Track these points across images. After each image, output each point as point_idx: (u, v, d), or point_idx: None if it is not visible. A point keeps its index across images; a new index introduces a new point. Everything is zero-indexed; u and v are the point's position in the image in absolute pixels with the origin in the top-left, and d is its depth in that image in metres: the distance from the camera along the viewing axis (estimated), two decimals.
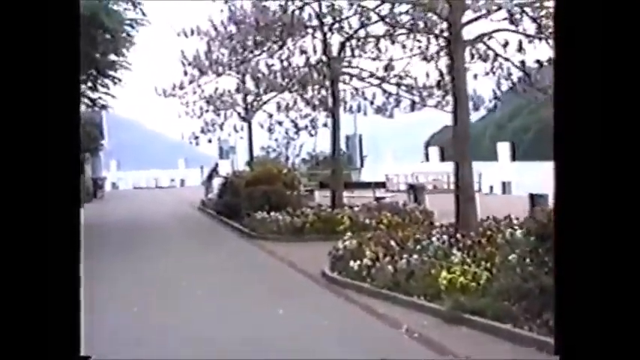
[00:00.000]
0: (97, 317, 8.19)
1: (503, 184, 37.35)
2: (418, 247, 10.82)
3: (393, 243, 11.22)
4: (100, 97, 22.35)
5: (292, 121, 29.20)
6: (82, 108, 23.36)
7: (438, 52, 17.67)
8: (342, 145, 47.27)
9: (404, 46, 17.28)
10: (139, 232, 19.22)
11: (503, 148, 42.03)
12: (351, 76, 19.62)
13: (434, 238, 10.99)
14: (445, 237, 10.94)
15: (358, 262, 10.48)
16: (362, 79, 19.86)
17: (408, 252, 10.48)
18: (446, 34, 12.71)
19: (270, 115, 29.69)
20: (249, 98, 29.50)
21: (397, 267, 9.84)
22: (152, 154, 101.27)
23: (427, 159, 60.06)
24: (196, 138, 29.90)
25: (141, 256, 14.18)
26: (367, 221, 16.21)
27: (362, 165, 42.60)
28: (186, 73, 24.12)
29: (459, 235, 10.89)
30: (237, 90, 29.50)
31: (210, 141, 30.91)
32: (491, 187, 34.98)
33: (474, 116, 78.58)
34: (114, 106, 24.64)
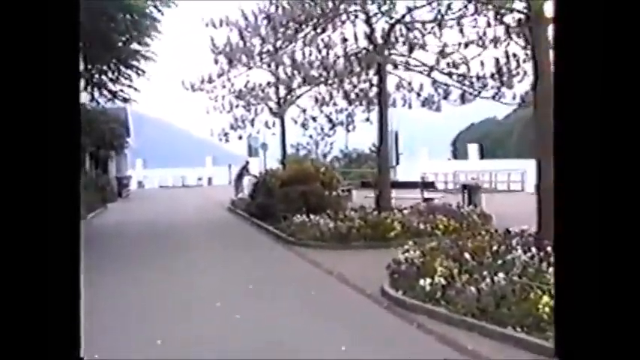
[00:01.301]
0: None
1: None
2: (499, 261, 9.02)
3: (467, 256, 9.41)
4: (121, 90, 20.49)
5: (327, 116, 27.73)
6: (104, 102, 21.54)
7: (496, 38, 15.87)
8: (377, 142, 46.06)
9: (461, 30, 15.37)
10: (166, 237, 17.53)
11: None
12: (396, 65, 17.72)
13: (519, 251, 9.14)
14: (534, 249, 9.07)
15: (428, 279, 8.68)
16: (408, 69, 17.97)
17: (488, 268, 8.68)
18: (523, 9, 10.81)
19: (304, 110, 28.16)
20: (282, 92, 27.96)
21: (480, 288, 8.03)
22: (178, 151, 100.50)
23: (454, 157, 57.99)
24: (226, 135, 28.47)
25: (168, 266, 12.51)
26: (421, 226, 14.40)
27: (397, 163, 40.66)
28: (217, 62, 22.57)
29: (548, 248, 9.02)
30: (269, 84, 28.01)
31: (240, 137, 29.54)
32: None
33: (500, 113, 76.50)
34: (139, 102, 22.78)
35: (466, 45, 15.34)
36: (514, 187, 33.87)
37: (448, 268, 8.98)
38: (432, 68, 17.77)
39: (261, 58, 25.90)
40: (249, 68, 27.15)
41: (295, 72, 23.24)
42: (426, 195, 19.21)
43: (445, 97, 18.76)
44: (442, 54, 16.15)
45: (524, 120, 68.61)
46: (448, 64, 16.65)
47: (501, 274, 8.16)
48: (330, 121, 27.41)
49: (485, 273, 8.41)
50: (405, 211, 16.06)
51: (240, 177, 32.98)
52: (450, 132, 78.44)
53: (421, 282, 8.68)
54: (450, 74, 17.46)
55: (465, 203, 17.70)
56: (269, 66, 27.17)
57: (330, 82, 24.96)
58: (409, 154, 45.00)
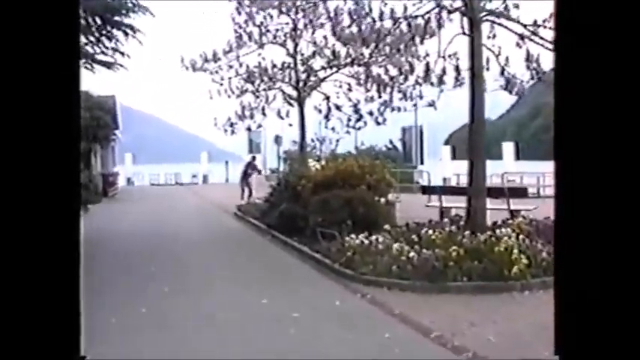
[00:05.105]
0: None
1: None
2: None
3: None
4: (102, 52, 15.04)
5: (354, 105, 23.26)
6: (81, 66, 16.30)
7: None
8: (396, 140, 41.29)
9: None
10: (160, 263, 12.39)
11: None
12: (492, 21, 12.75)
13: None
14: None
15: None
16: (502, 24, 13.04)
17: None
18: None
19: (327, 98, 23.51)
20: (302, 75, 23.26)
21: None
22: (170, 147, 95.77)
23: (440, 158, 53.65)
24: (232, 125, 23.81)
25: (163, 323, 7.62)
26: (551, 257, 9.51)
27: (422, 162, 35.82)
28: (239, 12, 17.65)
29: None
30: (284, 65, 23.36)
31: (249, 129, 25.09)
32: None
33: (493, 114, 73.71)
34: (128, 70, 17.37)
35: None
36: None
37: None
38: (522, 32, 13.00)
39: (274, 36, 21.49)
40: (262, 46, 22.64)
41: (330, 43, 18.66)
42: (513, 206, 14.31)
43: (539, 78, 13.99)
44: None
45: (516, 122, 64.65)
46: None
47: None
48: (357, 111, 23.05)
49: None
50: (505, 230, 11.06)
51: (245, 176, 28.01)
52: (443, 132, 74.40)
53: None
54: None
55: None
56: (284, 45, 22.65)
57: (362, 62, 20.75)
58: (431, 151, 40.24)
